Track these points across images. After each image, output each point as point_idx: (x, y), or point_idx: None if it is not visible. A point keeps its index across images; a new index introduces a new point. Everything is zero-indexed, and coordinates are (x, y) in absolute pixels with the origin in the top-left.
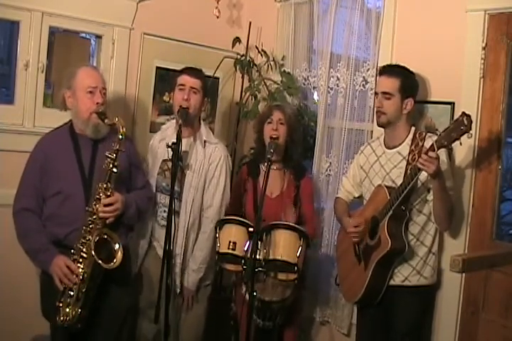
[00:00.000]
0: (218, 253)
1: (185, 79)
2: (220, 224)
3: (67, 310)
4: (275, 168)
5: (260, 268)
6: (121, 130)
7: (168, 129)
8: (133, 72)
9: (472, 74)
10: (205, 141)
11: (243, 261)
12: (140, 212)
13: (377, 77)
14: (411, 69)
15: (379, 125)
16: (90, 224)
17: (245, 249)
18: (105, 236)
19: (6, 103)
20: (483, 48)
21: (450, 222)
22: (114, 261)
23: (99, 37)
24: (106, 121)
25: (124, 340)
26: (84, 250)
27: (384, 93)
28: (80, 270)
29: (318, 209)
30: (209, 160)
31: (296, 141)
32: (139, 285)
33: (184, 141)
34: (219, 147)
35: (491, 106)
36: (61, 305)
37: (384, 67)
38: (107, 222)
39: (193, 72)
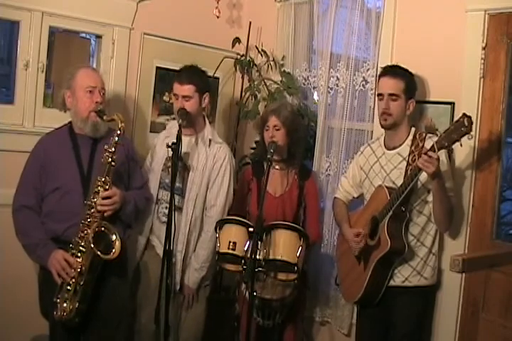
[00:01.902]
0: (218, 253)
1: (177, 88)
2: (220, 224)
3: (65, 304)
4: (279, 168)
5: (260, 268)
6: (119, 124)
7: (173, 128)
8: (133, 72)
9: (472, 74)
10: (210, 140)
11: (243, 261)
12: (138, 210)
13: (379, 78)
14: (411, 69)
15: (385, 127)
16: (88, 218)
17: (245, 248)
18: (102, 229)
19: (6, 103)
20: (483, 48)
21: (449, 223)
22: (113, 251)
23: (99, 37)
24: (105, 117)
25: (122, 333)
26: (82, 244)
27: (391, 94)
28: (79, 263)
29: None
30: (213, 159)
31: (297, 140)
32: (137, 282)
33: (187, 139)
34: (223, 147)
35: (491, 106)
36: (58, 300)
37: (387, 67)
38: (105, 215)
39: (184, 77)
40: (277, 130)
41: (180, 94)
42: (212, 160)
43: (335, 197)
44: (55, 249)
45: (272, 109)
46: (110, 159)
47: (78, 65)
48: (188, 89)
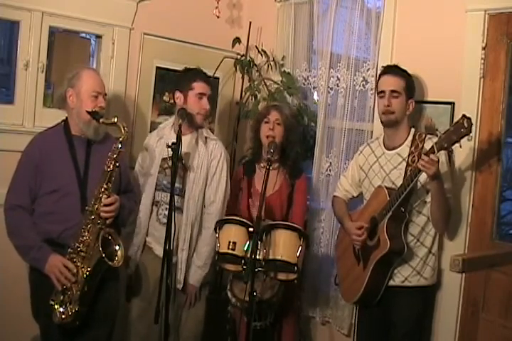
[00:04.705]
0: (218, 253)
1: (203, 87)
2: (220, 224)
3: (62, 309)
4: (271, 167)
5: (260, 268)
6: (122, 131)
7: (165, 128)
8: (133, 72)
9: (472, 74)
10: (206, 137)
11: (243, 261)
12: (130, 213)
13: (380, 77)
14: (411, 69)
15: (387, 125)
16: (89, 224)
17: (245, 248)
18: (109, 237)
19: (6, 103)
20: (483, 48)
21: (446, 224)
22: (117, 259)
23: (99, 37)
24: (101, 120)
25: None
26: (83, 249)
27: (392, 91)
28: (80, 268)
29: (317, 209)
30: (211, 156)
31: (293, 141)
32: (136, 284)
33: (188, 138)
34: (219, 144)
35: (491, 106)
36: (58, 303)
37: (388, 66)
38: (107, 221)
39: (208, 78)
40: (278, 124)
41: (208, 93)
42: (209, 157)
43: (334, 196)
44: (52, 253)
45: (273, 104)
46: (112, 166)
47: (81, 65)
48: (209, 88)
